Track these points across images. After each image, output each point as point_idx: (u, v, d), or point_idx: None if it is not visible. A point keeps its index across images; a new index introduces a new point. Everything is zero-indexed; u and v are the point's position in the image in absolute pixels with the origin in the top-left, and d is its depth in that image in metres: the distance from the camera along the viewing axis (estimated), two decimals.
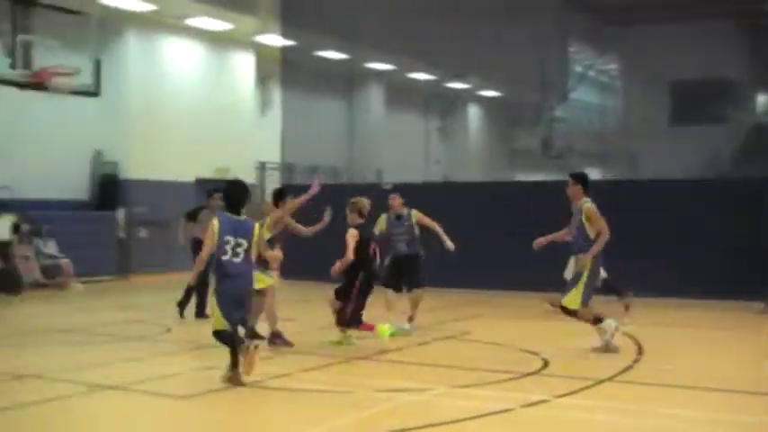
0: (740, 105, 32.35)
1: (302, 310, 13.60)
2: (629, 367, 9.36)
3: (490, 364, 9.55)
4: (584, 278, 9.98)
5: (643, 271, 14.74)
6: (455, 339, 11.54)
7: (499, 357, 10.11)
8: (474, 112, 36.16)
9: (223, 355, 8.25)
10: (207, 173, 23.45)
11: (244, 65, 25.05)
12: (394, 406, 7.54)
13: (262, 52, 25.02)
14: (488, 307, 15.51)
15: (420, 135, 23.33)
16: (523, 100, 34.25)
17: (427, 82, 29.77)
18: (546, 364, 9.49)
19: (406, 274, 12.00)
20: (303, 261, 15.03)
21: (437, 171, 30.26)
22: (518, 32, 24.10)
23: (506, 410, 7.31)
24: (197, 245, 11.06)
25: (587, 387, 8.32)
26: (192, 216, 13.40)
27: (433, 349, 10.76)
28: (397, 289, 12.02)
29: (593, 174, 19.69)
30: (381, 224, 12.03)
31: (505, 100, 35.14)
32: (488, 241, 17.72)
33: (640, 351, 10.33)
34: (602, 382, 8.56)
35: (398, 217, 12.03)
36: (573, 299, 10.04)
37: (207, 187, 15.00)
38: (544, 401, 7.66)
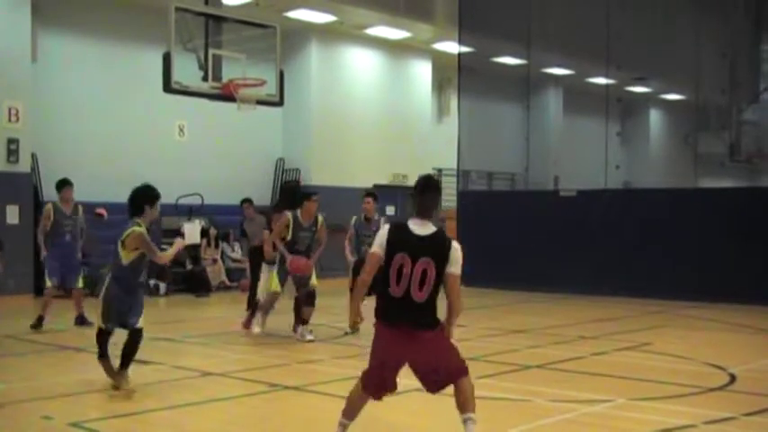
0: None
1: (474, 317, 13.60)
2: None
3: (672, 377, 9.22)
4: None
5: None
6: (634, 350, 11.23)
7: (682, 370, 9.76)
8: (656, 116, 35.13)
9: None
10: (384, 179, 23.83)
11: (421, 72, 25.31)
12: (572, 416, 7.42)
13: (438, 59, 25.21)
14: (670, 317, 15.03)
15: (599, 140, 22.79)
16: (709, 102, 32.89)
17: (607, 86, 29.15)
18: (733, 379, 9.11)
19: None
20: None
21: (617, 177, 29.51)
22: (703, 30, 23.20)
23: (688, 426, 7.05)
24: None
25: None
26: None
27: (611, 360, 10.51)
28: None
29: None
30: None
31: (690, 103, 33.87)
32: (671, 249, 17.21)
33: None
34: None
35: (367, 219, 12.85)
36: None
37: (384, 193, 15.24)
38: (730, 419, 7.35)
